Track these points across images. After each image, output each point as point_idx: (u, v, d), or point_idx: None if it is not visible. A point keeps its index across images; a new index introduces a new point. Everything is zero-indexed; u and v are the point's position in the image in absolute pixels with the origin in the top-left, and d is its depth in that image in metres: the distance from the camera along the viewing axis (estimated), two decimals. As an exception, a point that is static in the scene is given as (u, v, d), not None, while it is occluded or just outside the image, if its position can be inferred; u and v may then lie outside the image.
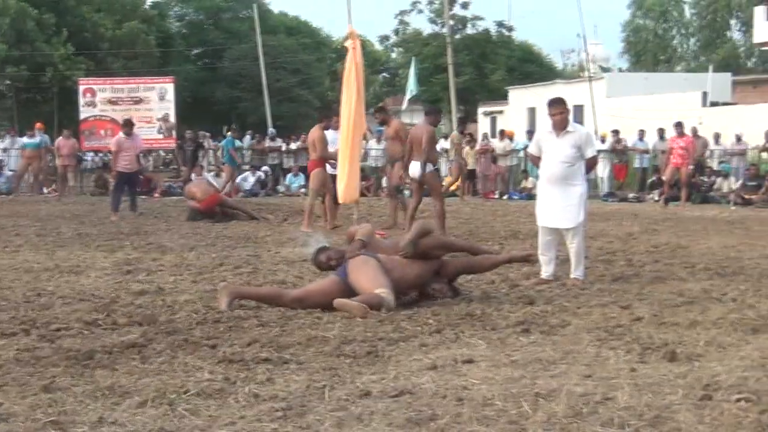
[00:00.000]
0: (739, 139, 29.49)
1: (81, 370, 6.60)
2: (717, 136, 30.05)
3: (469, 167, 31.61)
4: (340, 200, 15.99)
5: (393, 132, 18.25)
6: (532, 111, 46.09)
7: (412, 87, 38.65)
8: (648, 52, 71.50)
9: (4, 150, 33.53)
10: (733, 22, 69.38)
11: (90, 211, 23.01)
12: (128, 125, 21.55)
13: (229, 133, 33.32)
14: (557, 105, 11.09)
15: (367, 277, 9.10)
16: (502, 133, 35.51)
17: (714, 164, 29.70)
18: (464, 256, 10.65)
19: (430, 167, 16.24)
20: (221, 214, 20.26)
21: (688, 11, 72.87)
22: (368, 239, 9.90)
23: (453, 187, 28.53)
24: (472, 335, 7.85)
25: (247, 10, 67.74)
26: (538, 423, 5.36)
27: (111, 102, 33.18)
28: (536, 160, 11.58)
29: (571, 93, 33.40)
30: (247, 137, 36.93)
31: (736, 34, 69.83)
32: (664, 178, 26.65)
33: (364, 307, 8.61)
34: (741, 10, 64.72)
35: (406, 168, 16.85)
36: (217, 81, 66.05)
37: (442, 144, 32.88)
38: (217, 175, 30.04)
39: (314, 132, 18.08)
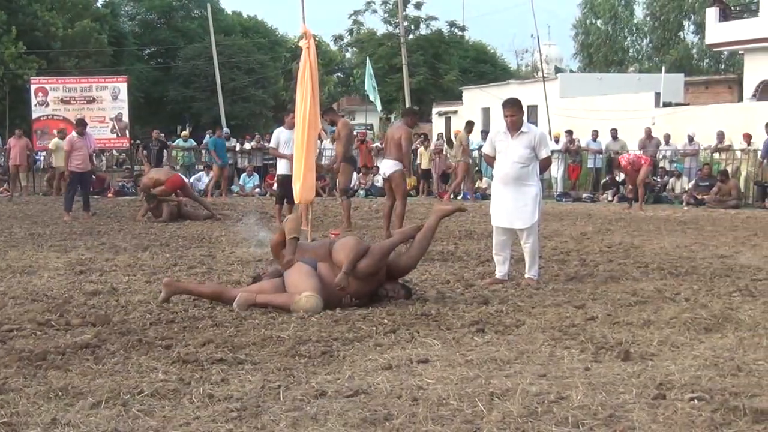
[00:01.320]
0: (691, 139, 29.68)
1: (34, 371, 6.56)
2: (667, 137, 30.20)
3: (424, 167, 31.70)
4: (296, 201, 15.99)
5: (336, 133, 18.36)
6: (486, 111, 46.10)
7: (372, 93, 38.81)
8: (600, 53, 71.77)
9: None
10: (686, 23, 69.79)
11: (42, 211, 22.85)
12: (81, 125, 21.40)
13: (208, 132, 33.12)
14: (511, 106, 11.10)
15: (297, 279, 9.14)
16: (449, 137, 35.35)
17: (666, 164, 29.86)
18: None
19: (398, 166, 16.23)
20: (177, 210, 20.24)
21: (640, 12, 73.26)
22: (297, 232, 9.80)
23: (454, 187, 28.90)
24: (427, 335, 7.86)
25: (199, 9, 67.50)
26: (493, 422, 5.37)
27: (63, 101, 32.94)
28: (490, 160, 11.59)
29: (525, 93, 33.48)
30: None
31: (689, 35, 70.28)
32: (617, 178, 26.88)
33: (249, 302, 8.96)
34: (694, 12, 65.12)
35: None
36: (170, 80, 65.71)
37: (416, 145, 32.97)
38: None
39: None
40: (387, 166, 16.35)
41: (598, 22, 73.45)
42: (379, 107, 42.70)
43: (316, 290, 8.93)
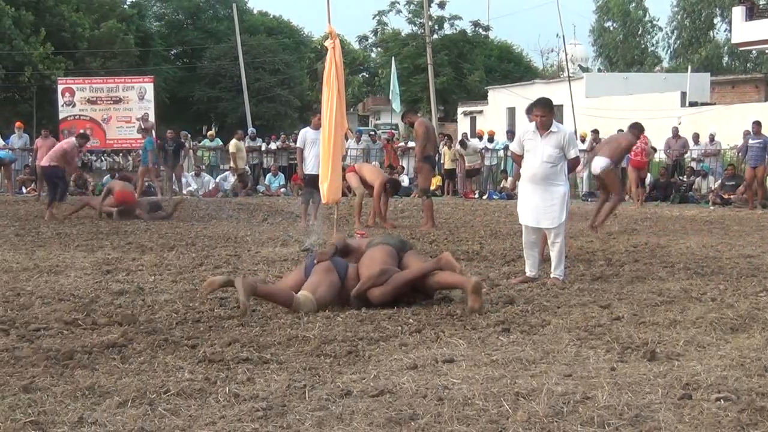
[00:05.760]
0: (712, 138, 29.56)
1: (61, 370, 6.59)
2: (696, 137, 30.07)
3: (447, 167, 31.57)
4: (323, 201, 15.98)
5: (414, 132, 18.65)
6: (511, 111, 46.11)
7: (396, 90, 38.88)
8: (618, 55, 71.45)
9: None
10: (717, 21, 69.40)
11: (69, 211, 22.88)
12: (83, 138, 21.77)
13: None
14: (543, 107, 11.08)
15: (312, 278, 9.16)
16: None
17: (693, 164, 29.72)
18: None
19: (608, 163, 17.07)
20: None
21: (664, 10, 72.96)
22: (341, 245, 9.85)
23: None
24: (453, 335, 7.85)
25: (226, 10, 67.57)
26: (519, 422, 5.36)
27: (90, 101, 33.12)
28: (518, 159, 11.55)
29: (550, 93, 33.16)
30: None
31: (720, 34, 69.82)
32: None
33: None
34: (725, 8, 64.70)
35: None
36: (196, 81, 65.70)
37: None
38: (197, 175, 29.96)
39: None
40: (598, 163, 17.21)
41: (613, 25, 73.18)
42: (397, 110, 42.76)
43: (319, 293, 8.96)
